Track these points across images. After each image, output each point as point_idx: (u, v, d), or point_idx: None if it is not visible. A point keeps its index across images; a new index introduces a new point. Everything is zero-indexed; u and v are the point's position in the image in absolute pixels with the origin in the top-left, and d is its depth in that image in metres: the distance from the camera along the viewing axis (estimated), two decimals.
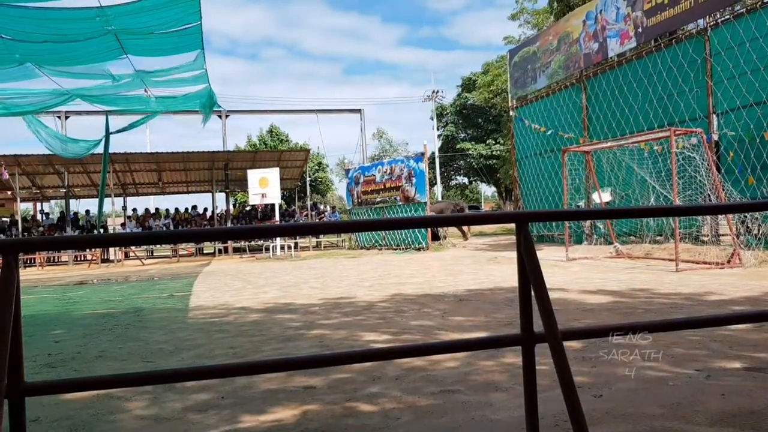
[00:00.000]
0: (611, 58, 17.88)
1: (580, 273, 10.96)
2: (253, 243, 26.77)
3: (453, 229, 26.40)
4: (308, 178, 31.66)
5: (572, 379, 2.33)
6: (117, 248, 24.95)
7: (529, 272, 2.48)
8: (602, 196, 15.09)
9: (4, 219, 28.16)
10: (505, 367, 4.34)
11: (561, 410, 3.25)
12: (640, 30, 16.37)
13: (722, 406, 3.23)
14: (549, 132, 20.44)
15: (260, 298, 9.40)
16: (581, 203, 17.90)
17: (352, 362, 2.91)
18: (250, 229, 2.52)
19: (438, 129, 53.37)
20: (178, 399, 3.94)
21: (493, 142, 48.14)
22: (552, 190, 20.03)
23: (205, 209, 29.68)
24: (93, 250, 24.25)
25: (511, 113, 23.99)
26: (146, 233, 2.27)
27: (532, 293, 2.54)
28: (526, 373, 2.57)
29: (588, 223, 17.16)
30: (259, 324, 6.84)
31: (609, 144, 14.56)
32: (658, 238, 14.90)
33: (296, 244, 24.97)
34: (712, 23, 14.37)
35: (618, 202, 15.84)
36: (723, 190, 11.44)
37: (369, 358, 2.78)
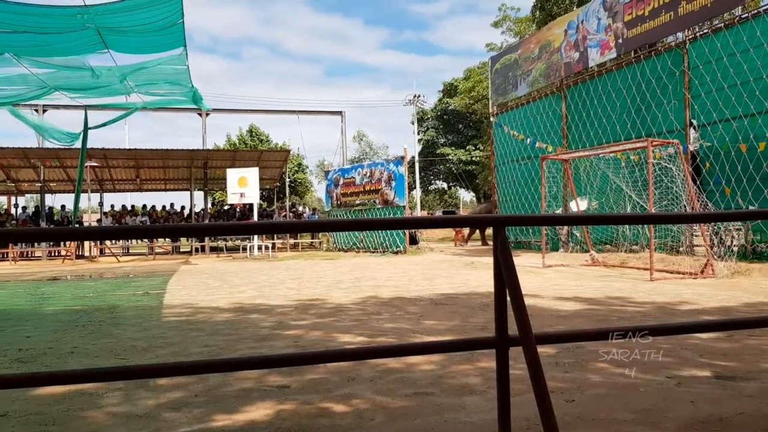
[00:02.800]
0: (591, 67, 18.10)
1: (556, 280, 11.06)
2: (230, 242, 26.61)
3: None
4: (288, 179, 31.56)
5: (545, 382, 2.36)
6: (92, 244, 24.62)
7: (505, 276, 2.50)
8: (579, 205, 15.26)
9: None
10: (479, 371, 4.37)
11: (534, 414, 3.27)
12: (620, 41, 16.59)
13: (691, 413, 3.28)
14: (528, 141, 20.61)
15: (236, 298, 9.35)
16: (558, 211, 18.07)
17: (326, 361, 2.91)
18: (227, 227, 2.52)
19: (418, 133, 53.48)
20: (151, 396, 3.90)
21: (473, 148, 48.38)
22: (530, 197, 20.20)
23: (183, 207, 29.44)
24: (67, 245, 23.91)
25: (491, 119, 24.16)
26: (119, 227, 2.24)
27: (508, 297, 2.57)
28: (500, 376, 2.60)
29: (565, 230, 17.34)
30: (234, 323, 6.80)
31: (587, 153, 14.73)
32: (634, 247, 15.10)
33: (273, 244, 24.85)
34: (690, 37, 14.62)
35: (594, 210, 16.02)
36: (698, 201, 11.62)
37: (343, 358, 2.78)
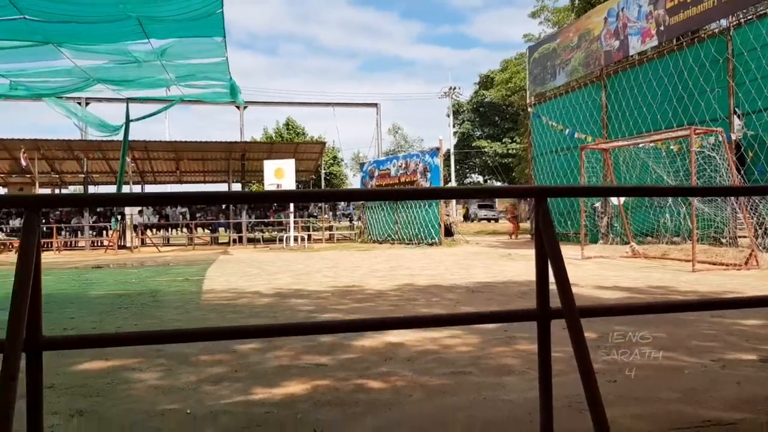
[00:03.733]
0: (632, 56, 17.73)
1: (595, 270, 10.90)
2: (267, 234, 26.92)
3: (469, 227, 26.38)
4: (323, 171, 31.75)
5: (588, 353, 2.32)
6: (133, 234, 25.18)
7: (547, 247, 2.47)
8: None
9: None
10: (518, 353, 4.34)
11: (575, 393, 3.24)
12: (662, 28, 16.21)
13: (737, 393, 3.20)
14: (567, 131, 20.31)
15: (274, 284, 9.44)
16: (597, 203, 17.78)
17: (366, 329, 2.93)
18: (258, 194, 2.55)
19: (454, 126, 53.23)
20: (192, 372, 3.97)
21: (510, 141, 47.95)
22: None
23: None
24: (110, 235, 24.47)
25: (528, 110, 23.88)
26: (152, 193, 2.28)
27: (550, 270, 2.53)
28: (541, 349, 2.57)
29: (604, 222, 17.08)
30: (272, 307, 6.87)
31: (627, 142, 14.45)
32: (675, 239, 14.78)
33: (309, 236, 25.05)
34: (734, 23, 14.20)
35: (633, 202, 15.74)
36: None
37: (383, 327, 2.79)
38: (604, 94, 18.98)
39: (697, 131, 11.68)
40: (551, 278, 2.45)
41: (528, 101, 24.04)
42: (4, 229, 24.40)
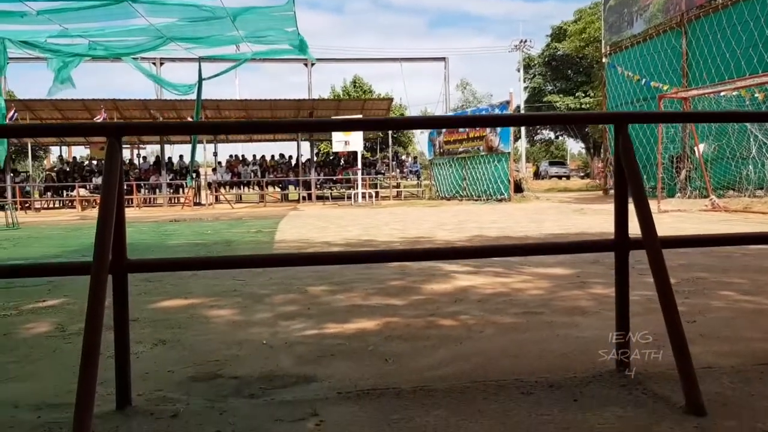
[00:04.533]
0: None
1: (672, 224, 10.50)
2: (335, 191, 27.24)
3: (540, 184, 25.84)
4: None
5: (670, 284, 2.25)
6: (208, 192, 26.00)
7: (627, 174, 2.38)
8: (699, 147, 14.32)
9: (103, 161, 29.73)
10: (591, 296, 4.25)
11: (652, 331, 3.15)
12: None
13: None
14: (643, 81, 19.43)
15: (343, 236, 9.57)
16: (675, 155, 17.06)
17: (440, 258, 2.93)
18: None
19: (524, 81, 51.81)
20: (266, 309, 4.09)
21: (583, 95, 46.25)
22: (644, 140, 19.14)
23: (290, 156, 30.29)
24: (186, 193, 25.33)
25: (603, 60, 22.96)
26: (233, 122, 2.31)
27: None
28: (619, 279, 2.50)
29: (683, 175, 16.40)
30: None
31: (709, 90, 13.72)
32: (759, 191, 14.07)
33: (377, 193, 25.20)
34: None
35: (713, 153, 15.03)
36: None
37: (460, 255, 2.76)
38: (684, 41, 18.00)
39: None
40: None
41: (603, 51, 23.10)
42: (88, 187, 25.60)
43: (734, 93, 13.53)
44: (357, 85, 51.00)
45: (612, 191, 3.00)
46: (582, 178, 35.46)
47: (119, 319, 2.24)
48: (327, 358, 2.93)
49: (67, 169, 27.94)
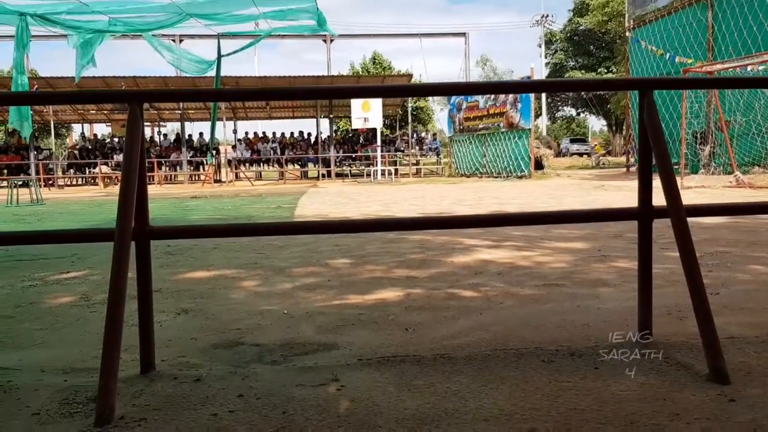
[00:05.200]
0: None
1: (696, 200, 10.34)
2: (354, 169, 27.23)
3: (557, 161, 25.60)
4: (410, 106, 31.45)
5: (694, 252, 2.22)
6: (228, 169, 26.13)
7: (652, 141, 2.34)
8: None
9: (124, 138, 29.98)
10: (613, 269, 4.22)
11: (674, 303, 3.13)
12: None
13: None
14: (667, 55, 19.06)
15: (363, 211, 9.59)
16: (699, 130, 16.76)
17: (462, 226, 2.92)
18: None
19: (546, 57, 51.12)
20: (287, 281, 4.11)
21: (605, 71, 45.56)
22: (668, 116, 18.81)
23: (309, 134, 30.27)
24: (206, 170, 25.49)
25: (627, 35, 22.54)
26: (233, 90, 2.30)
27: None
28: (642, 248, 2.47)
29: (707, 151, 16.12)
30: None
31: (735, 64, 13.43)
32: None
33: (396, 170, 25.15)
34: None
35: (740, 128, 14.75)
36: None
37: (477, 224, 2.75)
38: (710, 14, 17.59)
39: None
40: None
41: (626, 25, 22.67)
42: (110, 164, 25.85)
43: (761, 67, 13.23)
44: (377, 61, 50.64)
45: (634, 168, 2.95)
46: (603, 155, 35.04)
47: (143, 286, 2.27)
48: (348, 327, 2.95)
49: (89, 147, 28.23)
